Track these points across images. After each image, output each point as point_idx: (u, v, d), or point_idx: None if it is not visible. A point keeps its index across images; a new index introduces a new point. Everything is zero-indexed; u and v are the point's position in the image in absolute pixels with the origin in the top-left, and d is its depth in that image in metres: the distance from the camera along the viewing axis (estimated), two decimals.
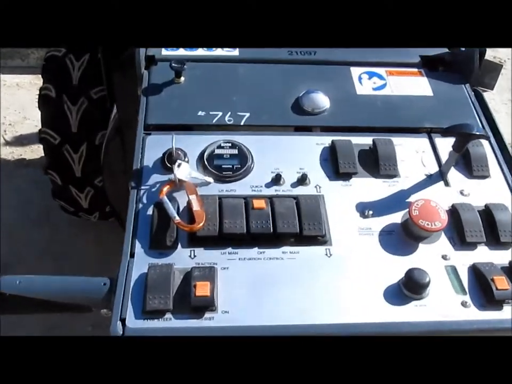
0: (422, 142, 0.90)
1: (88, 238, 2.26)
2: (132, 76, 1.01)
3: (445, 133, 0.83)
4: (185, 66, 0.92)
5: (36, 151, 2.78)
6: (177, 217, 0.74)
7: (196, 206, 0.76)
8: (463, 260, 0.76)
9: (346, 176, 0.84)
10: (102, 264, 2.09)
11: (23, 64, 3.38)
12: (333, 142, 0.87)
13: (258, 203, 0.77)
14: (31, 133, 2.90)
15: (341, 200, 0.82)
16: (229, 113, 0.91)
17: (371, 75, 0.99)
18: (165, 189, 0.78)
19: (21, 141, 2.85)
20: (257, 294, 0.70)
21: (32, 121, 2.98)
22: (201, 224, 0.74)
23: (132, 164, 0.86)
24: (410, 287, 0.71)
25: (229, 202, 0.78)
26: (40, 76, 3.33)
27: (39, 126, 2.90)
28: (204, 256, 0.74)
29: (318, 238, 0.76)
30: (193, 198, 0.77)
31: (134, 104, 1.05)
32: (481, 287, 0.73)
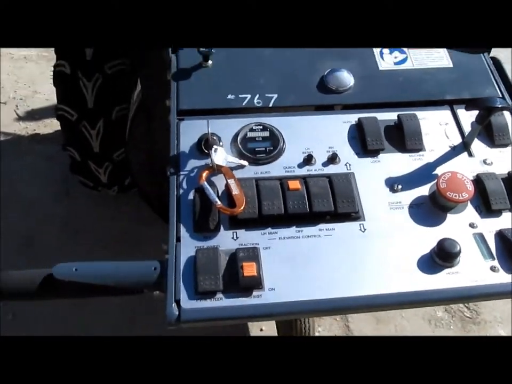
0: (444, 114, 0.93)
1: (107, 211, 2.32)
2: (158, 59, 1.03)
3: (469, 106, 0.86)
4: (213, 50, 0.94)
5: (49, 126, 2.81)
6: (218, 202, 0.78)
7: (235, 190, 0.80)
8: (490, 227, 0.81)
9: (374, 153, 0.88)
10: (123, 236, 2.17)
11: None
12: (359, 119, 0.90)
13: (293, 184, 0.81)
14: (43, 107, 2.93)
15: (371, 176, 0.86)
16: (257, 95, 0.94)
17: (392, 50, 1.01)
18: (204, 174, 0.82)
19: (33, 115, 2.87)
20: (300, 270, 0.75)
21: (43, 95, 2.99)
22: (241, 208, 0.79)
23: (160, 146, 0.90)
24: (442, 257, 0.75)
25: (266, 184, 0.82)
26: (47, 47, 3.33)
27: (50, 100, 2.93)
28: (246, 237, 0.79)
29: (351, 215, 0.81)
30: (231, 182, 0.81)
31: (160, 85, 1.08)
32: (508, 252, 0.78)
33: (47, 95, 3.03)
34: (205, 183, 0.81)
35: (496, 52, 1.02)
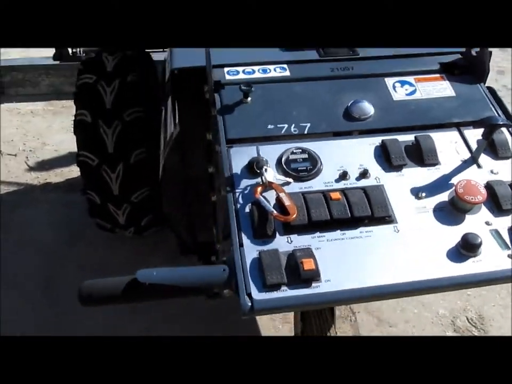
0: (453, 134, 1.10)
1: (123, 253, 2.42)
2: (201, 101, 1.20)
3: (476, 125, 1.03)
4: (252, 88, 1.10)
5: (59, 175, 2.93)
6: (274, 211, 0.92)
7: (287, 201, 0.94)
8: (503, 223, 0.96)
9: (398, 168, 1.03)
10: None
11: (35, 91, 3.55)
12: (383, 141, 1.06)
13: (335, 195, 0.96)
14: (53, 158, 3.07)
15: (398, 187, 1.00)
16: (293, 124, 1.09)
17: (403, 83, 1.19)
18: (258, 189, 0.96)
19: (43, 165, 3.01)
20: (348, 264, 0.89)
21: (52, 146, 3.14)
22: (294, 215, 0.92)
23: (196, 175, 1.03)
24: (467, 248, 0.90)
25: (311, 196, 0.96)
26: (51, 102, 3.53)
27: (59, 151, 3.06)
28: (299, 240, 0.92)
29: (386, 218, 0.95)
30: (283, 195, 0.95)
31: (198, 123, 1.24)
32: None
33: (56, 146, 3.17)
34: (260, 197, 0.95)
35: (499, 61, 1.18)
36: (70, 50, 3.53)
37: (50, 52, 3.64)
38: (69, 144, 3.17)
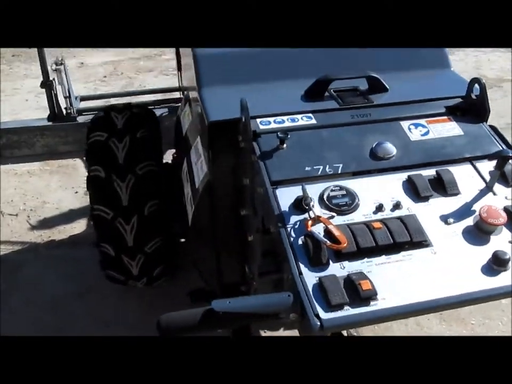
0: (467, 168, 1.25)
1: (134, 303, 2.47)
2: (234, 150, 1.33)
3: (490, 158, 1.18)
4: (288, 135, 1.24)
5: (63, 232, 2.98)
6: (328, 242, 1.04)
7: (337, 232, 1.06)
8: None
9: (426, 199, 1.17)
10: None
11: (30, 152, 3.62)
12: (409, 176, 1.20)
13: (377, 224, 1.08)
14: (54, 216, 3.11)
15: (428, 215, 1.14)
16: (327, 165, 1.23)
17: (416, 125, 1.34)
18: (309, 223, 1.08)
19: (45, 224, 3.05)
20: (398, 283, 1.00)
21: (52, 204, 3.20)
22: (345, 244, 1.04)
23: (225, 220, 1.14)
24: (498, 263, 1.03)
25: (356, 227, 1.08)
26: (47, 161, 3.63)
27: (60, 209, 3.11)
28: (350, 266, 1.04)
29: (423, 243, 1.08)
30: (331, 227, 1.07)
31: (231, 170, 1.36)
32: None
33: (56, 204, 3.23)
34: (313, 229, 1.06)
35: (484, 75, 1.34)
36: (64, 110, 3.65)
37: (45, 113, 3.76)
38: (69, 201, 3.25)
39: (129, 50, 5.49)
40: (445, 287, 1.01)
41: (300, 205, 1.12)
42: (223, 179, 1.45)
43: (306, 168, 1.22)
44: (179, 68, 3.50)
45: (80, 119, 3.74)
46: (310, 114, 1.37)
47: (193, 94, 1.74)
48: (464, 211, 1.15)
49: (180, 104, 3.83)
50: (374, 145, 1.27)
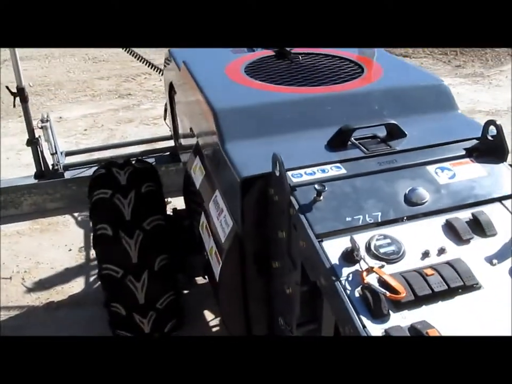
0: (498, 207, 1.29)
1: None
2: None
3: None
4: (326, 188, 1.26)
5: (61, 293, 2.90)
6: (387, 292, 1.05)
7: (393, 282, 1.07)
8: None
9: (467, 241, 1.20)
10: None
11: (18, 212, 3.54)
12: (447, 220, 1.23)
13: (429, 271, 1.10)
14: (50, 276, 3.03)
15: (472, 257, 1.17)
16: (367, 215, 1.25)
17: (442, 169, 1.39)
18: (364, 275, 1.09)
19: (42, 285, 2.96)
20: (459, 326, 1.02)
21: (47, 264, 3.12)
22: (404, 294, 1.05)
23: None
24: None
25: (410, 275, 1.10)
26: (37, 220, 3.59)
27: (55, 269, 3.03)
28: (411, 315, 1.05)
29: (474, 286, 1.10)
30: (387, 277, 1.08)
31: (263, 223, 1.38)
32: None
33: (50, 264, 3.15)
34: (369, 281, 1.07)
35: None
36: (50, 166, 3.60)
37: (28, 171, 3.70)
38: (63, 260, 3.17)
39: (107, 102, 5.50)
40: (504, 326, 1.03)
41: (350, 256, 1.14)
42: (253, 233, 1.46)
43: (347, 219, 1.24)
44: (165, 117, 3.54)
45: (67, 174, 3.71)
46: (339, 164, 1.40)
47: (208, 150, 1.76)
48: (505, 251, 1.18)
49: (167, 153, 3.86)
50: (407, 192, 1.31)
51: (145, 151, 3.91)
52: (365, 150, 1.45)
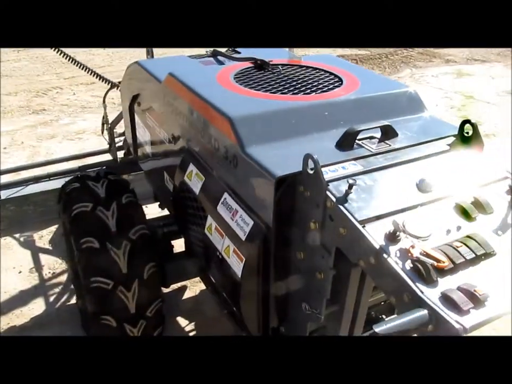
0: (492, 189, 1.56)
1: None
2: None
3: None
4: (356, 181, 1.44)
5: (21, 316, 2.82)
6: (435, 263, 1.26)
7: (437, 254, 1.28)
8: None
9: (474, 218, 1.45)
10: None
11: None
12: (456, 203, 1.48)
13: (458, 244, 1.33)
14: (5, 300, 2.89)
15: (482, 231, 1.41)
16: (392, 202, 1.46)
17: (438, 160, 1.64)
18: (411, 250, 1.29)
19: (0, 310, 2.81)
20: (495, 289, 1.25)
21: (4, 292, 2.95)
22: (447, 263, 1.27)
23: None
24: None
25: (444, 247, 1.32)
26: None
27: (8, 292, 2.96)
28: (454, 279, 1.26)
29: (491, 253, 1.35)
30: (430, 251, 1.29)
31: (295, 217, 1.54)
32: None
33: (3, 288, 3.00)
34: (418, 254, 1.27)
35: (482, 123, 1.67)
36: None
37: None
38: (15, 283, 3.03)
39: (21, 118, 5.25)
40: None
41: (393, 237, 1.33)
42: (281, 228, 1.60)
43: (380, 206, 1.43)
44: (103, 131, 3.53)
45: (3, 194, 3.54)
46: (354, 162, 1.59)
47: (213, 155, 1.86)
48: (505, 224, 1.45)
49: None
50: (418, 182, 1.54)
51: (83, 166, 3.84)
52: (370, 148, 1.66)
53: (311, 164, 1.47)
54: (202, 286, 2.98)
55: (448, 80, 6.89)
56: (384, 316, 1.98)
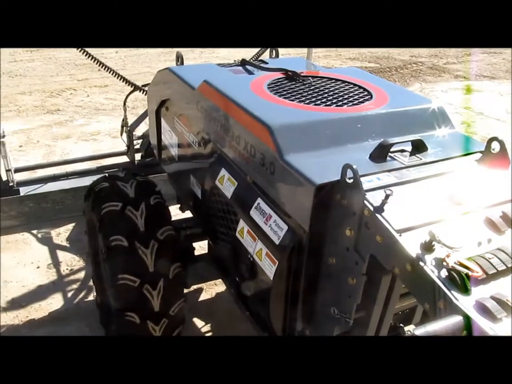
0: None
1: None
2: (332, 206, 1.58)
3: None
4: (393, 191, 1.51)
5: (40, 310, 2.86)
6: (470, 272, 1.33)
7: (471, 264, 1.35)
8: None
9: (504, 232, 1.52)
10: None
11: None
12: (486, 216, 1.55)
13: (489, 255, 1.40)
14: (23, 294, 2.94)
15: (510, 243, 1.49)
16: (426, 213, 1.52)
17: (466, 175, 1.71)
18: (447, 259, 1.36)
19: (17, 303, 2.89)
20: None
21: (17, 283, 3.02)
22: (481, 273, 1.34)
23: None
24: None
25: (477, 258, 1.39)
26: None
27: (27, 286, 3.01)
28: (487, 288, 1.33)
29: None
30: (465, 261, 1.36)
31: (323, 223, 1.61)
32: None
33: (21, 282, 3.05)
34: (453, 264, 1.34)
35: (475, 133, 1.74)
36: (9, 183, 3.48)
37: None
38: (33, 278, 3.09)
39: (36, 117, 5.32)
40: None
41: (429, 246, 1.40)
42: (315, 233, 1.67)
43: (415, 217, 1.50)
44: (122, 133, 3.59)
45: (22, 191, 3.60)
46: (388, 173, 1.67)
47: (248, 162, 1.93)
48: None
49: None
50: (450, 194, 1.61)
51: (101, 167, 3.91)
52: (402, 161, 1.73)
53: (349, 173, 1.54)
54: (218, 289, 3.04)
55: (457, 96, 7.01)
56: (402, 325, 2.04)
